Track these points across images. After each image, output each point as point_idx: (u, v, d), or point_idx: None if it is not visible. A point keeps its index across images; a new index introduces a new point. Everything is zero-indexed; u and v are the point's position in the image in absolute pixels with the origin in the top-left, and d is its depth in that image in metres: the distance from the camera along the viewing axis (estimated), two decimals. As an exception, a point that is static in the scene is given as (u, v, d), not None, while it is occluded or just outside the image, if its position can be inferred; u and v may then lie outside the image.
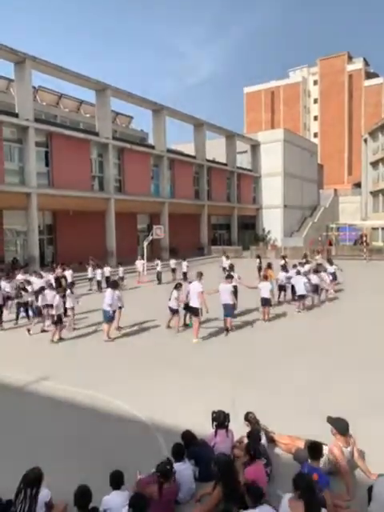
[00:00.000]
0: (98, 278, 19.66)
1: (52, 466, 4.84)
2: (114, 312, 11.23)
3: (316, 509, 3.68)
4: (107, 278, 18.82)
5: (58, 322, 10.99)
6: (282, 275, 15.48)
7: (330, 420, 5.00)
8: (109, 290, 11.20)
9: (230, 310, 11.25)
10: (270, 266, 15.84)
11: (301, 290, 13.83)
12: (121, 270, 20.70)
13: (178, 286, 11.54)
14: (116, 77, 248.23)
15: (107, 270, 20.08)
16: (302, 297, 13.93)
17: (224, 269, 21.61)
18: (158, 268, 21.91)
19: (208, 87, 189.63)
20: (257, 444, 4.76)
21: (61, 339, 11.12)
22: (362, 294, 17.09)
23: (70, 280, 16.40)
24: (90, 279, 19.98)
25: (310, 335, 11.16)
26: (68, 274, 17.62)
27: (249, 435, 4.94)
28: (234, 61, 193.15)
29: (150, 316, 13.21)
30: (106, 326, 11.00)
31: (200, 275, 11.22)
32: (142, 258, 23.44)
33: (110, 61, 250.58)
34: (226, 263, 22.07)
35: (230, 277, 11.82)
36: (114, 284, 11.69)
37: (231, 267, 14.38)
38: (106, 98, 27.50)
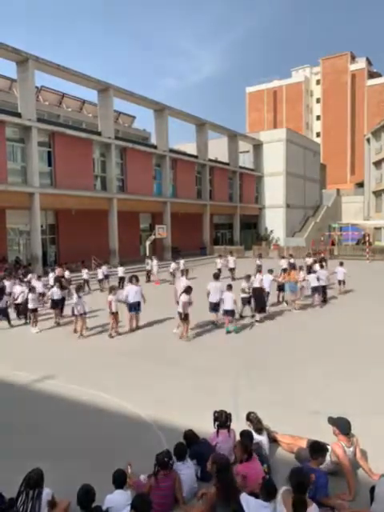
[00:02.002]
0: (100, 276, 19.87)
1: (54, 465, 4.86)
2: (139, 304, 11.88)
3: (301, 505, 3.68)
4: (121, 278, 19.17)
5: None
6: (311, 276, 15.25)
7: (331, 420, 4.99)
8: (131, 285, 11.97)
9: (216, 307, 11.85)
10: (294, 267, 15.56)
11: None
12: (100, 271, 20.39)
13: (188, 290, 10.98)
14: (117, 76, 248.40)
15: (121, 270, 20.22)
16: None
17: (232, 269, 21.67)
18: (148, 267, 22.29)
19: (210, 86, 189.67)
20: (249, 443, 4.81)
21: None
22: (363, 293, 17.05)
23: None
24: (100, 280, 20.05)
25: (310, 334, 11.14)
26: (67, 274, 18.09)
27: (242, 434, 4.97)
28: (237, 60, 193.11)
29: (151, 315, 13.22)
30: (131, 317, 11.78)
31: (186, 272, 12.21)
32: (156, 259, 23.48)
33: (111, 60, 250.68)
34: (232, 263, 22.14)
35: (216, 276, 12.26)
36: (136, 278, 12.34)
37: (259, 267, 14.25)
38: (109, 97, 27.52)
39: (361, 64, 77.68)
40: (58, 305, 13.22)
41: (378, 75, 79.64)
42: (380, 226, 41.08)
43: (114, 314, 11.32)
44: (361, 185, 56.11)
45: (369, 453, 5.11)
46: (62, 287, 13.97)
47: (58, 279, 15.03)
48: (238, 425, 5.39)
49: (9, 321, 13.14)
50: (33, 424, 6.38)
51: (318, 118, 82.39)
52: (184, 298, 10.77)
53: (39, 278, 16.14)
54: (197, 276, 22.05)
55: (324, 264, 16.90)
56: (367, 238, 35.18)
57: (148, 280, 21.94)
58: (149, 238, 26.44)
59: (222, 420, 5.23)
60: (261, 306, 12.72)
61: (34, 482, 3.98)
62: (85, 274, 19.68)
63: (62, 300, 13.50)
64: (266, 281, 13.27)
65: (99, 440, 5.83)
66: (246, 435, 4.88)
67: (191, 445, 5.02)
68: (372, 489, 4.13)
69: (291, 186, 44.58)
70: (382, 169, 44.77)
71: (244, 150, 44.06)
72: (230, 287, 11.77)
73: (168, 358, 9.35)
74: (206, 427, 5.46)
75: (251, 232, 44.82)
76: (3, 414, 6.76)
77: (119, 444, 5.69)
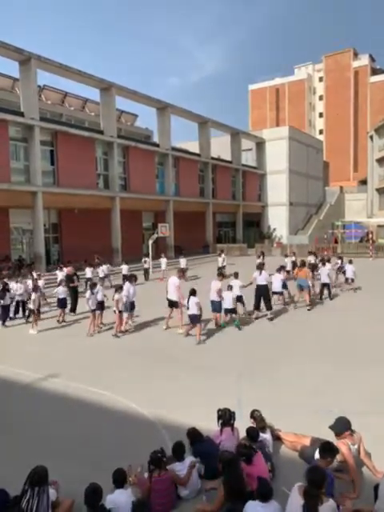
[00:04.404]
0: (101, 275, 19.92)
1: (57, 464, 4.85)
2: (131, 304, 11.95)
3: (312, 497, 3.69)
4: (124, 276, 19.15)
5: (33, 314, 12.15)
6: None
7: (333, 427, 4.92)
8: (129, 285, 11.99)
9: (216, 306, 11.75)
10: (304, 263, 15.33)
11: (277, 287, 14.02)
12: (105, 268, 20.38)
13: (194, 292, 10.86)
14: (119, 75, 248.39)
15: (125, 268, 20.28)
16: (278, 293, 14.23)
17: (219, 268, 21.74)
18: (146, 265, 22.35)
19: (212, 85, 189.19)
20: (253, 441, 4.82)
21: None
22: (368, 291, 17.00)
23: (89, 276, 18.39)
24: (102, 278, 20.05)
25: (312, 333, 11.11)
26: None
27: (247, 432, 4.97)
28: (239, 58, 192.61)
29: (154, 314, 13.22)
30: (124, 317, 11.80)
31: (180, 271, 12.34)
32: (165, 257, 23.52)
33: (112, 59, 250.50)
34: (220, 262, 22.26)
35: (221, 274, 12.21)
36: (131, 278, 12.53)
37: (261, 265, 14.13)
38: (111, 96, 27.52)
39: (364, 61, 77.37)
40: (64, 304, 13.14)
41: (381, 72, 79.21)
42: (383, 223, 40.96)
43: (120, 313, 11.36)
44: (364, 182, 55.93)
45: (373, 451, 5.09)
46: (70, 286, 13.96)
47: (69, 278, 14.85)
48: (242, 423, 5.40)
49: (4, 320, 13.06)
50: (35, 423, 6.40)
51: (321, 115, 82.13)
52: (194, 299, 10.65)
53: (39, 276, 16.09)
54: (198, 275, 22.09)
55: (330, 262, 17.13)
56: (370, 236, 35.10)
57: (146, 278, 21.92)
58: (151, 237, 26.44)
59: (226, 418, 5.23)
60: (268, 304, 12.63)
61: (39, 478, 3.98)
62: (101, 271, 19.78)
63: (65, 299, 13.40)
64: (265, 278, 13.01)
65: (102, 438, 5.84)
66: (252, 435, 4.88)
67: (195, 443, 5.03)
68: (376, 487, 4.12)
69: (294, 183, 44.47)
70: (386, 166, 44.59)
71: (247, 148, 43.97)
72: (229, 287, 11.84)
73: (171, 357, 9.36)
74: (209, 425, 5.46)
75: (254, 230, 44.76)
76: (5, 413, 6.79)
77: (122, 442, 5.69)
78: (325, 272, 15.41)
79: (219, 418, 5.27)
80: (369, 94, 75.89)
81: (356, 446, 4.80)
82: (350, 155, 76.65)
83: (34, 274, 16.31)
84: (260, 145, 44.67)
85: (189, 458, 4.75)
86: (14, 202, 22.19)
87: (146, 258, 22.75)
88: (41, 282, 15.03)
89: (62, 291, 13.16)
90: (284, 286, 14.37)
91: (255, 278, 12.80)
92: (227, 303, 11.64)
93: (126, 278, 18.62)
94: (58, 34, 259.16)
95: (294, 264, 20.41)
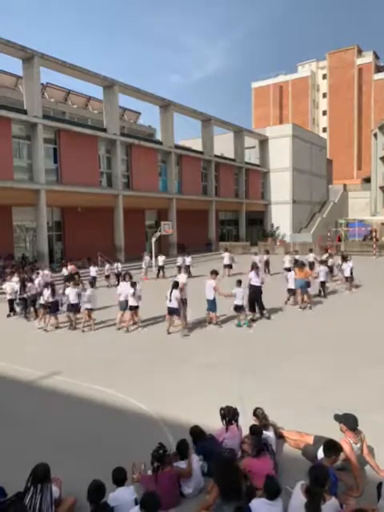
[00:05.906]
0: (107, 273, 20.03)
1: (58, 462, 4.85)
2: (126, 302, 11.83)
3: (315, 495, 3.69)
4: (118, 274, 19.15)
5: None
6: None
7: (338, 417, 4.97)
8: (124, 283, 12.11)
9: (212, 305, 11.74)
10: (304, 264, 15.02)
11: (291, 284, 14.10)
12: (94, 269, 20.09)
13: (176, 285, 11.07)
14: (119, 75, 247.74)
15: (119, 266, 20.29)
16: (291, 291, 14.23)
17: (225, 266, 21.68)
18: (160, 263, 22.28)
19: (215, 83, 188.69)
20: (259, 439, 4.80)
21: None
22: (369, 289, 16.96)
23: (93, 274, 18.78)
24: (107, 276, 20.14)
25: (314, 331, 11.08)
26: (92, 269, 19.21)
27: (251, 430, 4.97)
28: (242, 56, 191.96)
29: (155, 311, 13.21)
30: (122, 314, 11.81)
31: (179, 269, 12.64)
32: (148, 255, 23.49)
33: (114, 57, 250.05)
34: (227, 259, 22.15)
35: (214, 272, 12.12)
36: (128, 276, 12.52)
37: (267, 263, 14.20)
38: (114, 94, 27.51)
39: (368, 58, 76.82)
40: (75, 307, 12.11)
41: (386, 69, 78.78)
42: (387, 221, 40.74)
43: (136, 309, 11.52)
44: (368, 180, 55.69)
45: (375, 449, 5.09)
46: (76, 285, 13.84)
47: (71, 277, 14.55)
48: (244, 421, 5.39)
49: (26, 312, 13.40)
50: (37, 420, 6.41)
51: (325, 112, 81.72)
52: (176, 294, 10.85)
53: (38, 274, 15.84)
54: (200, 273, 22.05)
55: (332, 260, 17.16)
56: (374, 234, 34.94)
57: (158, 276, 21.81)
58: (154, 235, 26.45)
59: (230, 416, 5.23)
60: (260, 304, 12.47)
61: (42, 475, 4.00)
62: (118, 268, 19.97)
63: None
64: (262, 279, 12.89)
65: (105, 436, 5.84)
66: (256, 431, 4.88)
67: (197, 440, 5.03)
68: (379, 485, 4.11)
69: (297, 181, 44.35)
70: (389, 164, 44.35)
71: (250, 146, 43.86)
72: (239, 283, 11.78)
73: (173, 355, 9.37)
74: (212, 423, 5.46)
75: (257, 228, 44.68)
76: (7, 411, 6.80)
77: (125, 440, 5.70)
78: (324, 270, 15.64)
79: (223, 416, 5.26)
80: (373, 91, 75.41)
81: (359, 445, 4.80)
82: (353, 153, 76.27)
83: (40, 271, 16.36)
84: (263, 142, 44.55)
85: (192, 457, 4.75)
86: (17, 200, 22.24)
87: (163, 256, 22.59)
88: (37, 280, 14.58)
89: (70, 294, 12.52)
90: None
91: (251, 278, 12.65)
92: (237, 299, 11.53)
93: (118, 276, 18.77)
94: (58, 34, 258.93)
95: (296, 262, 20.33)
